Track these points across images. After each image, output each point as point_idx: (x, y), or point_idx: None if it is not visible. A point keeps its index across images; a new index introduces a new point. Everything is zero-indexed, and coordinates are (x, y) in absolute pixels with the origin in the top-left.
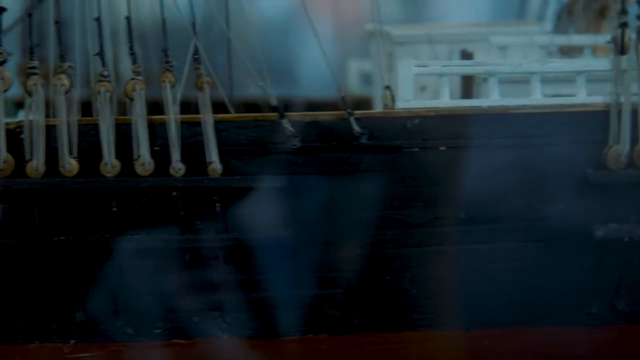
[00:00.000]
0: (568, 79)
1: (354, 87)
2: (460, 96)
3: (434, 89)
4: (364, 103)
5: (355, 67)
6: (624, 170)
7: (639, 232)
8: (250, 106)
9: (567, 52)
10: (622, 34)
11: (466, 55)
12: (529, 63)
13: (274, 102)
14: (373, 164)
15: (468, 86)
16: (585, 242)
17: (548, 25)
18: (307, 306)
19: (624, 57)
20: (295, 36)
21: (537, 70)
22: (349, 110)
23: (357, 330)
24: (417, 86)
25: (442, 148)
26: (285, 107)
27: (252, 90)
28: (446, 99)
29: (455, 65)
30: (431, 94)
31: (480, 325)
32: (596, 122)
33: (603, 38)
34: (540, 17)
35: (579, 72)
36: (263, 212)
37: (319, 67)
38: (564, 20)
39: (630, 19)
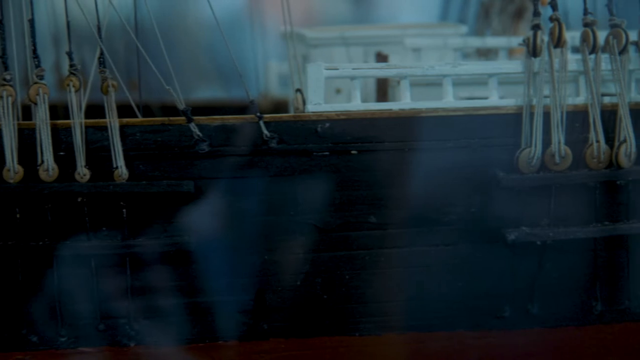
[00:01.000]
0: (485, 81)
1: (275, 89)
2: (376, 99)
3: (349, 92)
4: (283, 105)
5: (275, 69)
6: (536, 173)
7: (552, 235)
8: (203, 109)
9: (485, 54)
10: (535, 36)
11: (381, 58)
12: (440, 66)
13: (181, 106)
14: (283, 168)
15: (383, 89)
16: (498, 245)
17: (463, 27)
18: (215, 312)
19: (536, 60)
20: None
21: (448, 73)
22: (258, 114)
23: (268, 336)
24: (333, 89)
25: (353, 152)
26: (192, 110)
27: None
28: (357, 102)
29: (366, 68)
30: (347, 96)
31: (393, 330)
32: (508, 124)
33: (517, 40)
34: (462, 20)
35: (491, 75)
36: (170, 217)
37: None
38: (482, 22)
39: (543, 21)
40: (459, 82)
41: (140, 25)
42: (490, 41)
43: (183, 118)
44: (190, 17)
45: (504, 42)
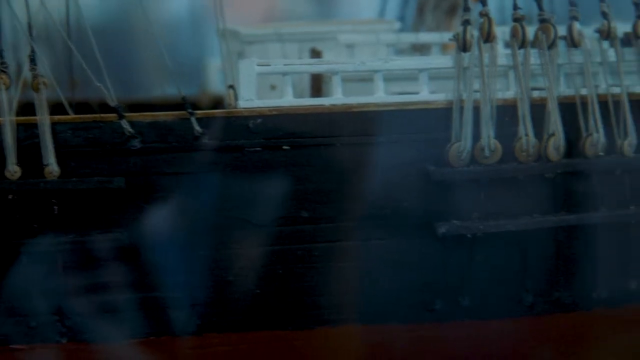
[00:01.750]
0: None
1: (214, 86)
2: (310, 94)
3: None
4: (223, 102)
5: (214, 66)
6: (466, 167)
7: (482, 228)
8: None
9: (421, 50)
10: (464, 32)
11: (315, 54)
12: (371, 61)
13: (112, 103)
14: (216, 164)
15: (317, 85)
16: (430, 239)
17: (397, 23)
18: (148, 309)
19: (466, 54)
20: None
21: (379, 68)
22: (190, 110)
23: (201, 332)
24: (267, 85)
25: (286, 147)
26: (125, 107)
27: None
28: (289, 98)
29: (298, 64)
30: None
31: (327, 324)
32: (439, 119)
33: (448, 36)
34: (400, 17)
35: (421, 70)
36: (102, 214)
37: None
38: (417, 18)
39: (473, 16)
40: (393, 78)
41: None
42: (423, 37)
43: (115, 115)
44: (143, 15)
45: (437, 37)
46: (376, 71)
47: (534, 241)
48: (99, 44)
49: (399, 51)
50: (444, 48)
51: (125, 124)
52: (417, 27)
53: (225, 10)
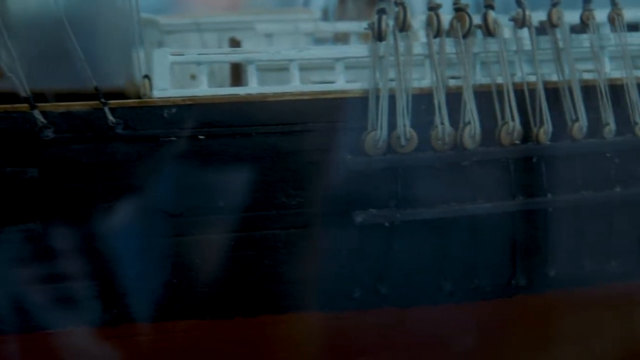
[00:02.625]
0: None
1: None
2: (230, 84)
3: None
4: None
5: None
6: (382, 155)
7: (399, 216)
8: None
9: (343, 39)
10: (380, 20)
11: (234, 43)
12: (286, 50)
13: (24, 93)
14: (130, 154)
15: (236, 75)
16: (348, 228)
17: (317, 12)
18: (65, 299)
19: (382, 43)
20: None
21: (294, 58)
22: (103, 100)
23: (118, 322)
24: (187, 75)
25: (201, 137)
26: (39, 97)
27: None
28: (204, 88)
29: (212, 53)
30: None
31: (243, 314)
32: (355, 108)
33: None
34: (325, 6)
35: (337, 59)
36: (15, 204)
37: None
38: (339, 7)
39: (388, 5)
40: (313, 67)
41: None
42: (342, 26)
43: (27, 105)
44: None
45: (355, 26)
46: (291, 60)
47: (452, 229)
48: (44, 33)
49: (321, 41)
50: (363, 37)
51: (37, 114)
52: (339, 16)
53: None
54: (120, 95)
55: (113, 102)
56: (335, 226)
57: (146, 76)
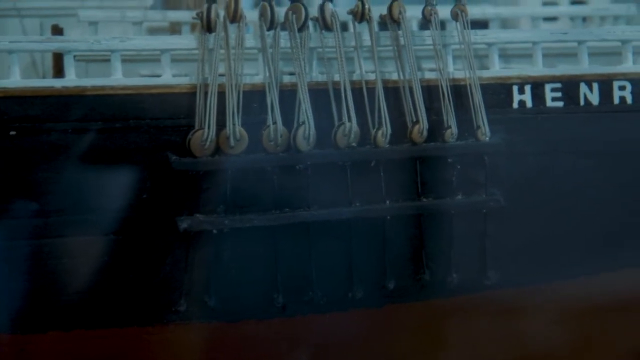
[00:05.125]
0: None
1: None
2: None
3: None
4: None
5: None
6: (210, 156)
7: (227, 223)
8: None
9: (177, 29)
10: (209, 10)
11: (56, 31)
12: (107, 40)
13: None
14: None
15: (58, 65)
16: (172, 234)
17: (149, 0)
18: None
19: (211, 35)
20: None
21: (116, 48)
22: None
23: None
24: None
25: (12, 133)
26: None
27: None
28: (15, 79)
29: (24, 41)
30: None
31: (82, 327)
32: (181, 104)
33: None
34: None
35: (163, 51)
36: None
37: None
38: None
39: None
40: (142, 59)
41: None
42: (172, 15)
43: None
44: None
45: (187, 16)
46: (113, 51)
47: (286, 238)
48: None
49: (156, 31)
50: (193, 28)
51: None
52: (173, 4)
53: None
54: None
55: None
56: (159, 233)
57: None
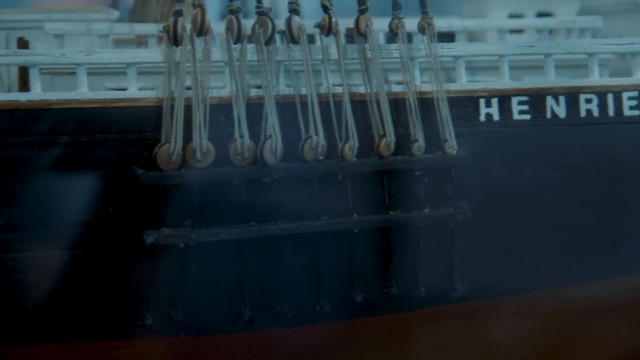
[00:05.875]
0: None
1: None
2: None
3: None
4: None
5: None
6: (176, 170)
7: (194, 237)
8: None
9: (144, 42)
10: (175, 24)
11: (22, 44)
12: (73, 54)
13: None
14: None
15: (23, 78)
16: (138, 248)
17: (115, 13)
18: None
19: (178, 49)
20: None
21: (81, 62)
22: None
23: None
24: None
25: None
26: None
27: None
28: None
29: None
30: None
31: (49, 341)
32: (148, 118)
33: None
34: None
35: (129, 64)
36: None
37: None
38: (141, 8)
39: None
40: (109, 73)
41: None
42: (139, 28)
43: None
44: None
45: (154, 29)
46: (78, 64)
47: (253, 251)
48: None
49: (122, 44)
50: (160, 40)
51: None
52: (140, 17)
53: None
54: None
55: None
56: (125, 247)
57: None
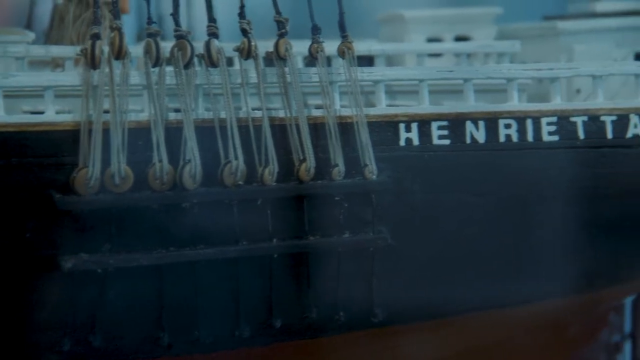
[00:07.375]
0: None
1: None
2: None
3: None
4: None
5: None
6: (94, 195)
7: (112, 262)
8: None
9: (61, 65)
10: (93, 46)
11: None
12: None
13: None
14: None
15: None
16: (57, 274)
17: (31, 34)
18: None
19: (96, 72)
20: None
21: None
22: None
23: None
24: None
25: None
26: None
27: None
28: None
29: None
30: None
31: None
32: (65, 142)
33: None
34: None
35: (46, 88)
36: None
37: None
38: (57, 29)
39: (103, 30)
40: (25, 95)
41: None
42: (56, 50)
43: None
44: None
45: (70, 51)
46: None
47: (171, 277)
48: None
49: (36, 64)
50: (77, 62)
51: None
52: (57, 38)
53: None
54: None
55: None
56: (42, 272)
57: None
